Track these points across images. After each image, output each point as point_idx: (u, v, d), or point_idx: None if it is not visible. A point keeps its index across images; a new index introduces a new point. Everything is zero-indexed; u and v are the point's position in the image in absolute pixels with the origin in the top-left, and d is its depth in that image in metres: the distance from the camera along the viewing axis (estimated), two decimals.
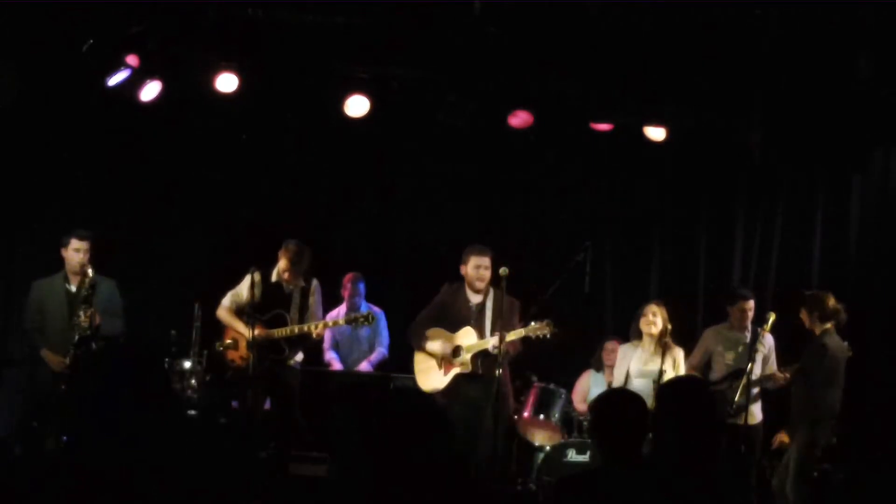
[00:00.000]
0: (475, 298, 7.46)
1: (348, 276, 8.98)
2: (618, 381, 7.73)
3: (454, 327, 7.41)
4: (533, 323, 7.21)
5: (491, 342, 7.21)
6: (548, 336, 7.22)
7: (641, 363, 7.57)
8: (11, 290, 8.68)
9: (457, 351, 7.34)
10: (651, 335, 7.57)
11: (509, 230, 9.42)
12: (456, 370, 7.32)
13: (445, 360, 7.38)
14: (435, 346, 7.39)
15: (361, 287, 8.96)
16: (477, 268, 7.38)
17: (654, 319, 7.57)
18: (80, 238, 7.63)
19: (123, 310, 7.83)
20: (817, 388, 7.44)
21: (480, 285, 7.40)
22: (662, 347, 7.49)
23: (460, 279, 7.56)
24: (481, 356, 7.29)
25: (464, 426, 7.01)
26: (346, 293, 8.96)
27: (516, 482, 7.97)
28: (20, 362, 8.15)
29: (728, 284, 9.18)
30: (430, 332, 7.48)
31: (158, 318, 8.56)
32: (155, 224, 9.29)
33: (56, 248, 7.75)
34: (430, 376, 7.43)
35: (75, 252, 7.61)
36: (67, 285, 7.66)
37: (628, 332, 7.99)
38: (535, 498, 7.70)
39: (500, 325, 7.15)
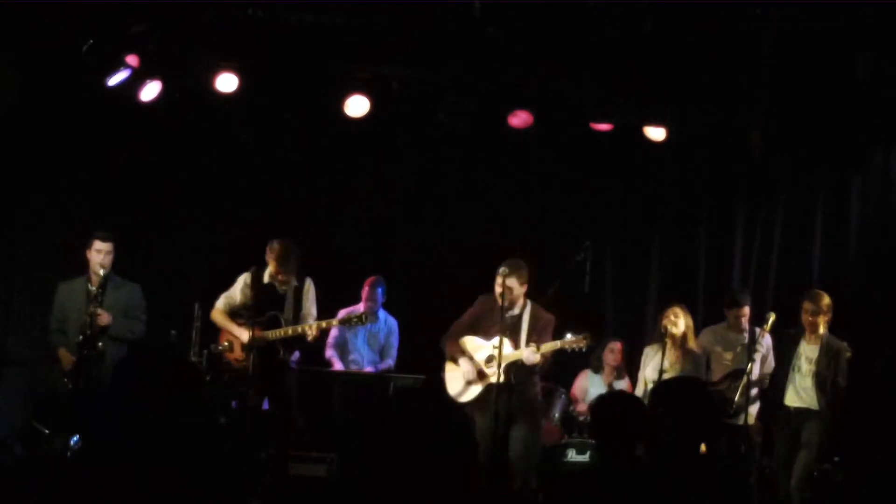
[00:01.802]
0: (511, 310, 7.27)
1: (369, 280, 8.70)
2: (640, 387, 7.68)
3: (489, 337, 7.27)
4: (569, 336, 7.11)
5: (525, 353, 7.09)
6: (583, 349, 7.16)
7: (661, 370, 7.46)
8: (11, 290, 8.67)
9: (490, 360, 7.20)
10: (674, 336, 7.51)
11: (509, 230, 9.41)
12: (488, 381, 7.17)
13: (478, 371, 7.26)
14: (466, 364, 7.28)
15: (380, 293, 8.66)
16: (498, 286, 7.18)
17: (676, 321, 7.53)
18: (103, 240, 7.69)
19: (145, 313, 7.90)
20: (830, 387, 7.46)
21: (504, 301, 7.16)
22: (683, 353, 7.46)
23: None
24: (514, 367, 7.13)
25: (493, 437, 6.97)
26: (364, 295, 8.68)
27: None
28: (21, 362, 8.16)
29: (728, 284, 9.17)
30: (465, 339, 7.37)
31: (158, 318, 8.55)
32: (155, 224, 9.28)
33: (57, 248, 7.75)
34: (462, 386, 7.33)
35: (97, 253, 7.67)
36: (89, 286, 7.69)
37: (628, 332, 7.98)
38: (535, 498, 7.69)
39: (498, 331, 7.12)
